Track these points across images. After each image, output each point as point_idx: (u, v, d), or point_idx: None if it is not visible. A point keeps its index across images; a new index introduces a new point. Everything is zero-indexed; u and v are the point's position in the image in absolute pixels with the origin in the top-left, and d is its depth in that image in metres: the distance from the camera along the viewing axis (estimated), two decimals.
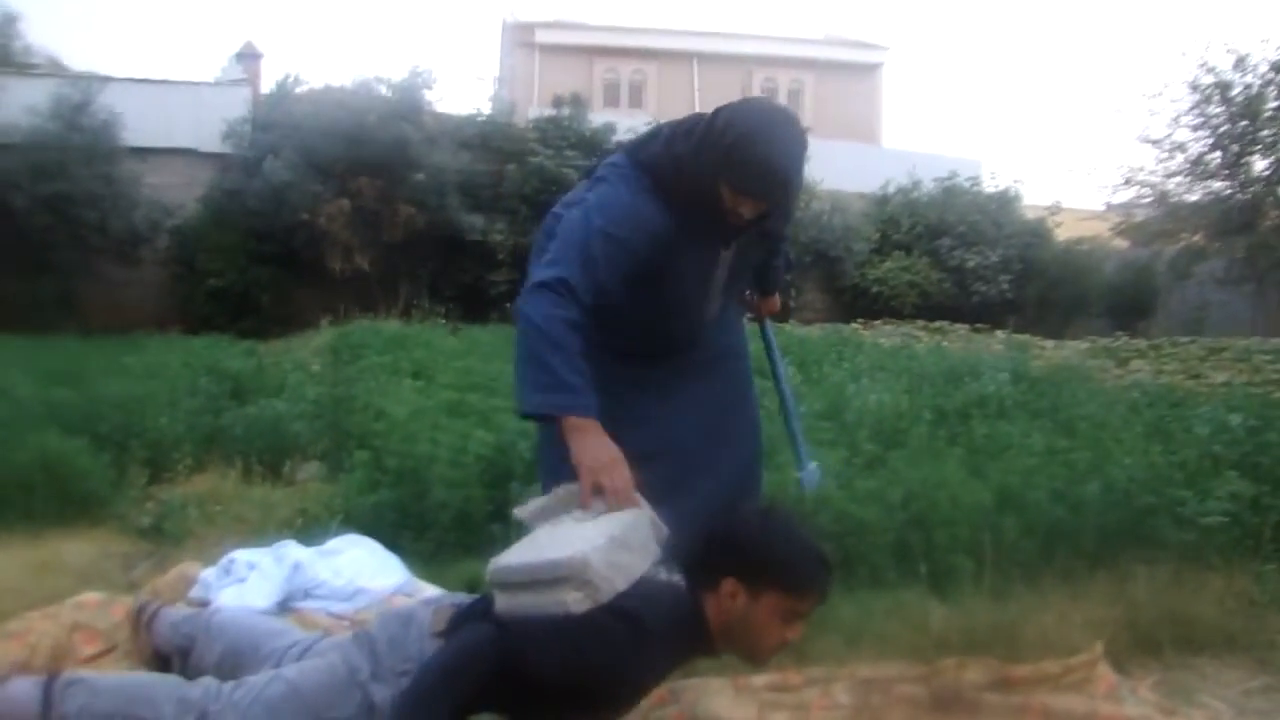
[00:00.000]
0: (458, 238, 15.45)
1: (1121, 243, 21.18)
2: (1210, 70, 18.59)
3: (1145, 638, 3.19)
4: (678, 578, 2.14)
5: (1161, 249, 19.95)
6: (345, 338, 11.14)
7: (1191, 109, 18.95)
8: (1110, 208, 21.40)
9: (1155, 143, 19.60)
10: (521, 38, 27.51)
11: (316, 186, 14.76)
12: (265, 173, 14.78)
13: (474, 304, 15.36)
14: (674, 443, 2.69)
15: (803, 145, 2.39)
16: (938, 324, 15.59)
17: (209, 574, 3.23)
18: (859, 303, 18.40)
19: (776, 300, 3.22)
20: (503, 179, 16.05)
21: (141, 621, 2.66)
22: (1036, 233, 20.02)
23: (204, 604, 3.00)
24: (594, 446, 2.21)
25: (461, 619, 2.10)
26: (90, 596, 3.04)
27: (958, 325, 15.52)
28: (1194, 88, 18.77)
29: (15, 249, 13.92)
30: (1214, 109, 18.69)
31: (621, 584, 2.00)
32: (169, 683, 2.21)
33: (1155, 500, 3.81)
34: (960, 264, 18.82)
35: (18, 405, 5.53)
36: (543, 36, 27.33)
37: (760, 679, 2.74)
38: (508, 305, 13.75)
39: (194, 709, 2.06)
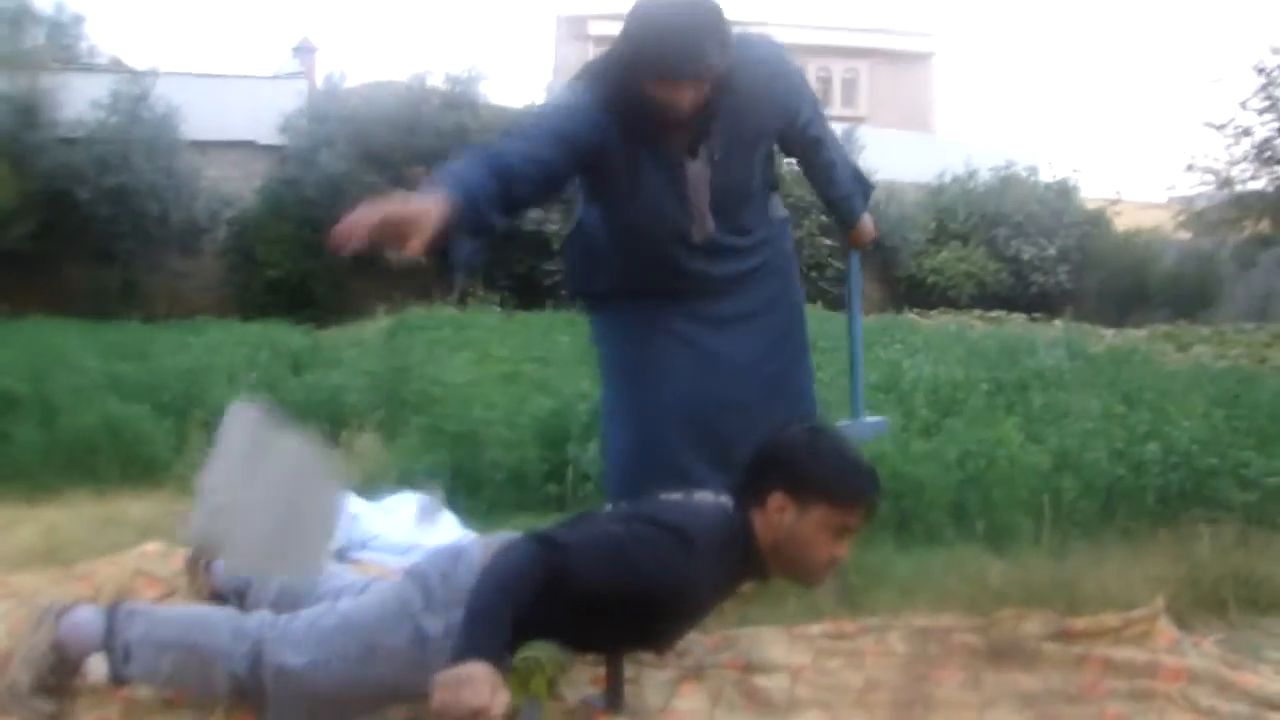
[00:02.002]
0: (513, 228, 15.42)
1: (1183, 233, 20.75)
2: (1277, 52, 18.17)
3: (1209, 596, 3.12)
4: (726, 498, 2.14)
5: (1225, 237, 19.51)
6: (402, 323, 11.23)
7: (1257, 92, 18.52)
8: (1171, 199, 20.98)
9: (1219, 127, 19.17)
10: (575, 30, 27.62)
11: (372, 177, 14.88)
12: (321, 164, 14.97)
13: (528, 293, 15.39)
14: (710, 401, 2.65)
15: (712, 12, 2.23)
16: (995, 314, 15.39)
17: None
18: (915, 293, 18.18)
19: (867, 225, 2.98)
20: None
21: (200, 565, 2.71)
22: (1095, 222, 19.73)
23: None
24: None
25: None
26: (152, 546, 3.13)
27: (1015, 314, 15.29)
28: (1259, 70, 18.34)
29: (81, 239, 14.30)
30: None
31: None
32: (226, 613, 2.25)
33: (1218, 462, 3.75)
34: (1017, 254, 18.60)
35: (84, 375, 5.64)
36: (596, 29, 27.34)
37: (815, 627, 2.73)
38: (562, 293, 13.78)
39: (249, 637, 2.09)
